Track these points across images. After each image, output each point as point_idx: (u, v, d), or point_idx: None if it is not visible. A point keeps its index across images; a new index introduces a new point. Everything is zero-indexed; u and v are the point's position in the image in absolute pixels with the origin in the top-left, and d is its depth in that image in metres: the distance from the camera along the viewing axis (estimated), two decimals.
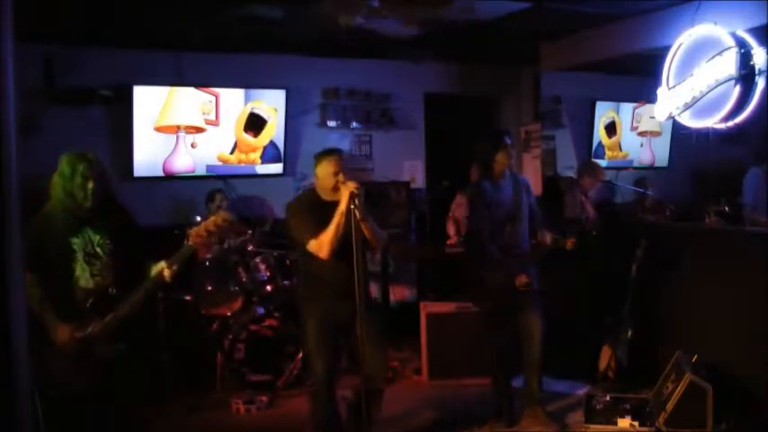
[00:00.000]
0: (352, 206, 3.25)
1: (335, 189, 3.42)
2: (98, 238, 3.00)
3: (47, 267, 2.90)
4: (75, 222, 2.96)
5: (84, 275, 2.95)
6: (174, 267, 2.96)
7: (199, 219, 3.38)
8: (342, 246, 3.33)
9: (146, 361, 3.24)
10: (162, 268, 2.95)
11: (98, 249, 2.99)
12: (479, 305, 4.52)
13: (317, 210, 3.47)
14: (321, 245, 3.37)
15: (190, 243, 2.96)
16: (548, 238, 4.32)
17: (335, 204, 3.37)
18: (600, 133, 7.59)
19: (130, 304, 2.92)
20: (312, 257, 3.44)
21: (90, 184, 2.94)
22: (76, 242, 2.95)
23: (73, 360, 2.87)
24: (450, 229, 6.00)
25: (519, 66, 7.22)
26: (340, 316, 3.46)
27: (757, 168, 5.64)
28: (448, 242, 5.94)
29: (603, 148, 7.64)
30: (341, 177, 3.43)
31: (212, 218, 2.99)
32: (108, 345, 2.92)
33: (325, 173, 3.48)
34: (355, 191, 3.28)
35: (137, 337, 3.04)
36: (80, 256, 2.95)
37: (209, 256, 5.21)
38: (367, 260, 3.78)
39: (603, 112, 7.59)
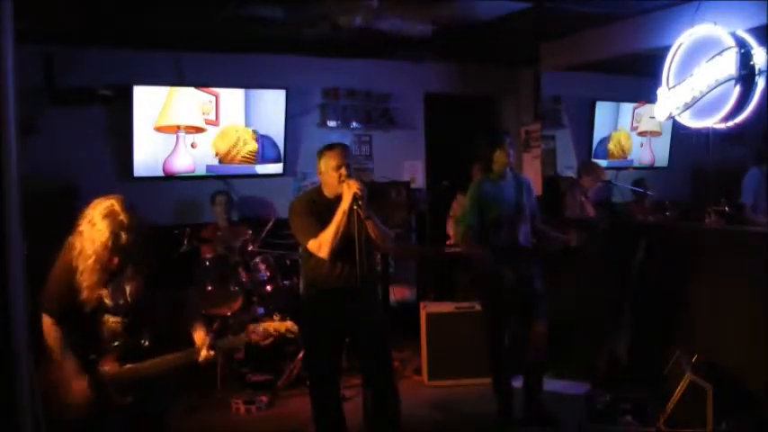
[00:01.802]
0: (356, 206, 3.24)
1: (339, 183, 3.38)
2: (129, 288, 2.73)
3: (71, 315, 2.68)
4: (105, 274, 2.66)
5: (113, 318, 2.72)
6: (213, 353, 2.73)
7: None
8: (345, 245, 3.31)
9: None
10: (201, 347, 2.72)
11: (129, 299, 2.73)
12: (483, 304, 4.52)
13: (319, 208, 3.44)
14: (321, 245, 3.35)
15: (244, 337, 2.76)
16: (557, 236, 4.33)
17: (339, 201, 3.34)
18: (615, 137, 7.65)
19: (155, 366, 2.69)
20: (315, 257, 3.42)
21: (114, 260, 2.63)
22: (105, 293, 2.69)
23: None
24: (451, 229, 6.00)
25: (519, 66, 7.22)
26: (343, 316, 3.45)
27: (757, 169, 5.64)
28: (448, 242, 5.94)
29: (604, 150, 7.65)
30: (344, 171, 3.40)
31: (276, 323, 2.78)
32: (117, 393, 2.69)
33: (327, 166, 3.45)
34: (358, 191, 3.25)
35: (149, 396, 2.76)
36: (109, 305, 2.71)
37: (209, 256, 5.21)
38: (374, 260, 3.75)
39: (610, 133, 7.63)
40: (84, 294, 2.64)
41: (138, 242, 2.63)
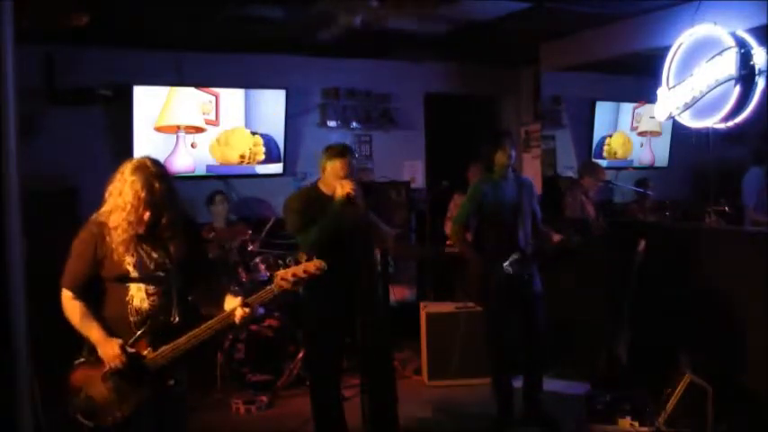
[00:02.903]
0: (350, 206, 3.24)
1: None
2: (156, 256, 2.60)
3: (92, 285, 2.57)
4: (138, 230, 2.54)
5: (138, 295, 2.57)
6: (248, 310, 2.63)
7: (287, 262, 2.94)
8: (343, 245, 3.32)
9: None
10: (235, 307, 2.63)
11: (154, 268, 2.59)
12: (480, 304, 4.52)
13: (314, 204, 3.46)
14: (305, 242, 3.38)
15: (274, 287, 2.67)
16: (555, 237, 4.33)
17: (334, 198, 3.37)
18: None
19: (193, 337, 2.57)
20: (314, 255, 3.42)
21: (146, 215, 2.52)
22: (129, 260, 2.56)
23: (117, 386, 2.54)
24: (449, 230, 6.00)
25: (519, 66, 7.22)
26: (343, 316, 3.45)
27: (757, 168, 5.64)
28: (447, 242, 5.94)
29: (603, 149, 7.65)
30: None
31: (303, 264, 2.66)
32: (159, 379, 2.56)
33: (332, 171, 3.46)
34: (351, 192, 3.26)
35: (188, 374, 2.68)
36: (134, 275, 2.56)
37: (209, 256, 5.20)
38: (373, 259, 3.73)
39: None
40: (119, 252, 2.53)
41: (171, 196, 2.57)
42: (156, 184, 2.51)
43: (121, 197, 2.51)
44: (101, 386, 2.55)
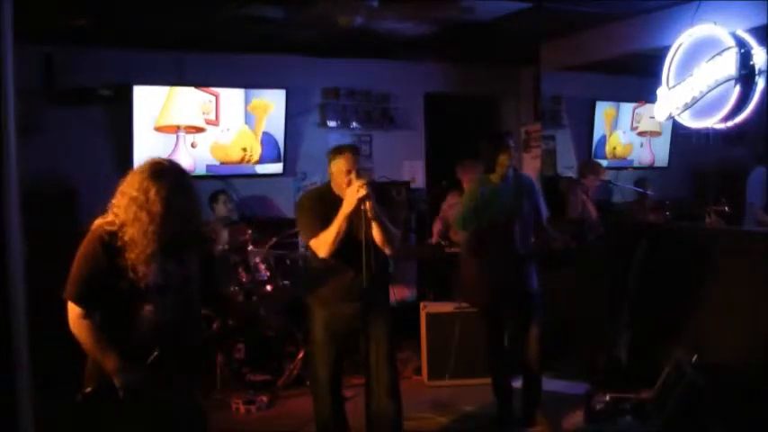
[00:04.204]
0: (363, 207, 3.21)
1: (348, 187, 3.35)
2: (174, 266, 2.43)
3: (104, 299, 2.36)
4: (150, 250, 2.35)
5: (157, 309, 2.40)
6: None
7: None
8: (351, 246, 3.30)
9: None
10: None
11: (170, 279, 2.43)
12: (475, 304, 4.52)
13: (326, 206, 3.41)
14: (320, 245, 3.34)
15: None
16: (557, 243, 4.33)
17: None
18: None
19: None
20: (321, 258, 3.40)
21: (175, 226, 2.36)
22: (148, 273, 2.36)
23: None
24: (436, 228, 6.00)
25: (519, 66, 7.22)
26: (347, 317, 3.44)
27: (762, 168, 5.63)
28: (431, 240, 5.97)
29: (604, 149, 7.64)
30: (353, 175, 3.38)
31: None
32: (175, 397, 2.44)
33: (338, 170, 3.43)
34: (363, 192, 3.22)
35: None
36: (153, 288, 2.38)
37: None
38: (379, 260, 3.70)
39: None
40: (136, 265, 2.32)
41: (197, 204, 2.44)
42: (185, 192, 2.38)
43: (137, 205, 2.31)
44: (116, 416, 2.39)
